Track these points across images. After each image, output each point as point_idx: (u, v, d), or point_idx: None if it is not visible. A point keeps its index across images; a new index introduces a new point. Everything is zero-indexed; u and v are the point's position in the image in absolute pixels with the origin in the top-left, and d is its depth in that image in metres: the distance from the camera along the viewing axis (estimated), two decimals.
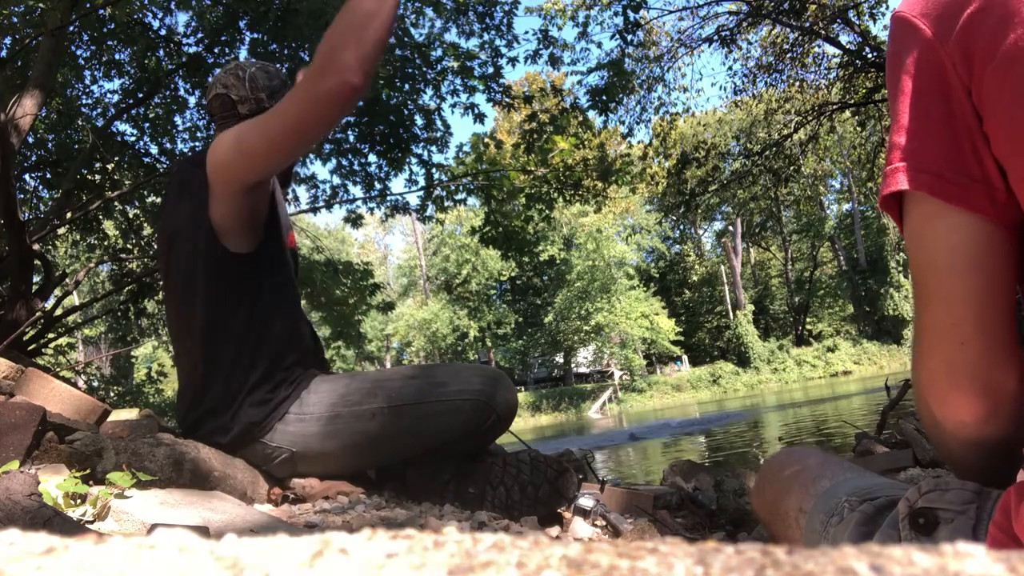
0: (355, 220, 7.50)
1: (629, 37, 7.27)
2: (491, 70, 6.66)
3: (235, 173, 1.50)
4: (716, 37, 9.63)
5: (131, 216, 6.99)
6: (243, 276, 1.58)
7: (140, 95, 6.47)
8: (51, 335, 5.53)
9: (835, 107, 9.63)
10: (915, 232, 0.62)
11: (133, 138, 6.84)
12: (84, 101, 6.90)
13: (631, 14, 6.96)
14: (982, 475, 0.66)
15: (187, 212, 1.58)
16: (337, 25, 1.35)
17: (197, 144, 7.04)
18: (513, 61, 6.80)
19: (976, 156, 0.58)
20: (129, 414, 2.01)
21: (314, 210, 8.68)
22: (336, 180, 7.30)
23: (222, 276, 1.57)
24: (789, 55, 9.87)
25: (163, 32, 6.37)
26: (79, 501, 1.09)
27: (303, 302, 8.54)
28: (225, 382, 1.57)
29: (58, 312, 5.42)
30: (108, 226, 7.41)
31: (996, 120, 0.56)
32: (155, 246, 7.07)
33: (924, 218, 0.61)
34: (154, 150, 6.96)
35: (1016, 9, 0.53)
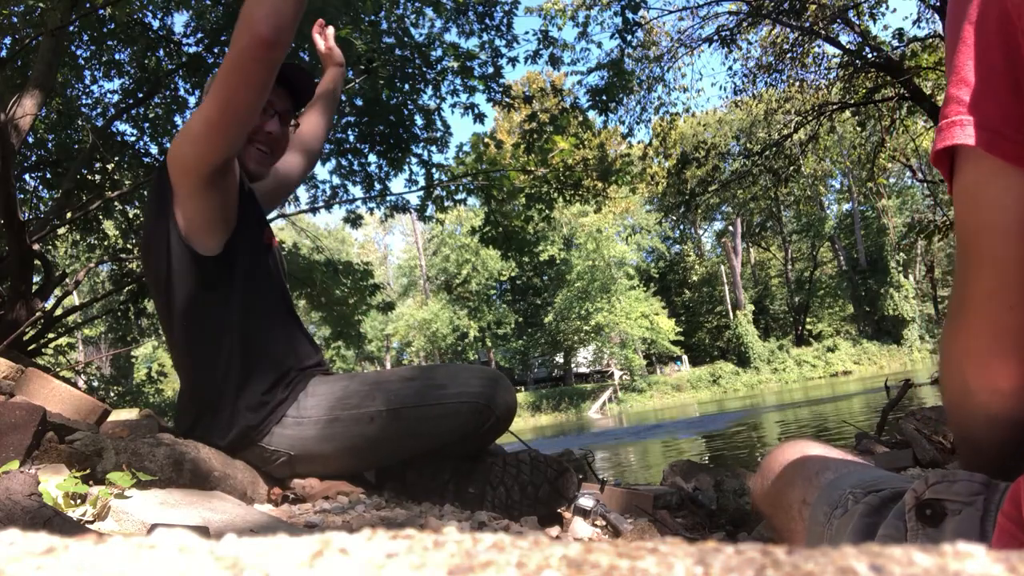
0: (354, 220, 7.51)
1: (628, 38, 7.27)
2: (491, 70, 6.66)
3: (186, 163, 1.48)
4: (716, 37, 9.63)
5: (131, 216, 6.99)
6: (218, 278, 1.56)
7: (140, 95, 6.48)
8: (51, 335, 5.53)
9: (835, 107, 9.63)
10: (967, 190, 0.59)
11: (133, 138, 6.85)
12: (84, 101, 6.90)
13: (630, 15, 6.97)
14: (995, 460, 0.64)
15: (156, 216, 1.56)
16: None
17: None
18: (513, 61, 6.81)
19: None
20: (129, 414, 2.01)
21: (314, 210, 8.69)
22: (336, 180, 7.31)
23: (196, 279, 1.55)
24: (789, 55, 9.87)
25: (163, 32, 6.37)
26: (79, 501, 1.09)
27: (302, 302, 8.53)
28: (217, 385, 1.57)
29: (58, 312, 5.42)
30: (108, 226, 7.41)
31: None
32: None
33: (978, 176, 0.58)
34: (154, 150, 6.97)
35: None
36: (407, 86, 6.45)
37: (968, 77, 0.58)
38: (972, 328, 0.62)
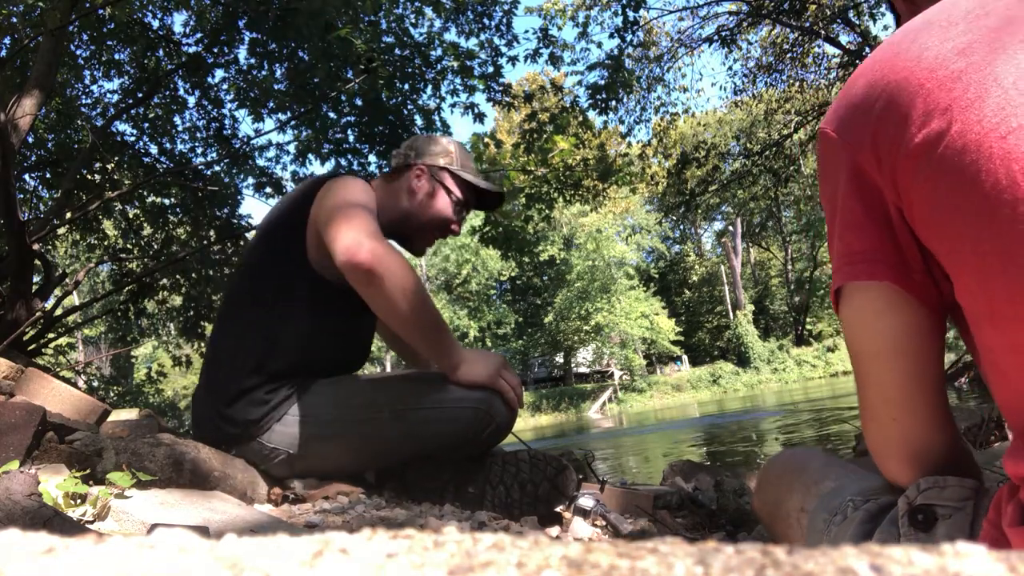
0: None
1: (628, 36, 7.27)
2: (491, 69, 6.66)
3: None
4: (716, 37, 9.63)
5: (131, 216, 6.99)
6: (308, 294, 1.63)
7: (140, 95, 6.48)
8: (51, 335, 5.53)
9: None
10: (846, 321, 0.70)
11: (133, 138, 6.84)
12: (84, 101, 6.90)
13: (631, 13, 6.96)
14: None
15: (288, 218, 1.66)
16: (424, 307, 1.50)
17: (197, 144, 7.04)
18: (513, 60, 6.80)
19: (895, 243, 0.65)
20: (129, 414, 2.01)
21: None
22: None
23: (281, 282, 1.63)
24: (789, 55, 9.87)
25: (163, 32, 6.37)
26: (79, 501, 1.09)
27: None
28: (228, 377, 1.60)
29: (58, 312, 5.42)
30: (108, 226, 7.41)
31: (917, 209, 0.62)
32: (155, 246, 7.08)
33: (853, 307, 0.69)
34: (154, 150, 6.96)
35: (908, 112, 0.60)
36: (407, 86, 6.44)
37: (839, 227, 0.68)
38: (868, 435, 0.74)
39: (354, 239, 1.44)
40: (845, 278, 0.68)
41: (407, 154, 1.82)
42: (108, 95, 7.22)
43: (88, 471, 1.22)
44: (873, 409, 0.71)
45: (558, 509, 1.70)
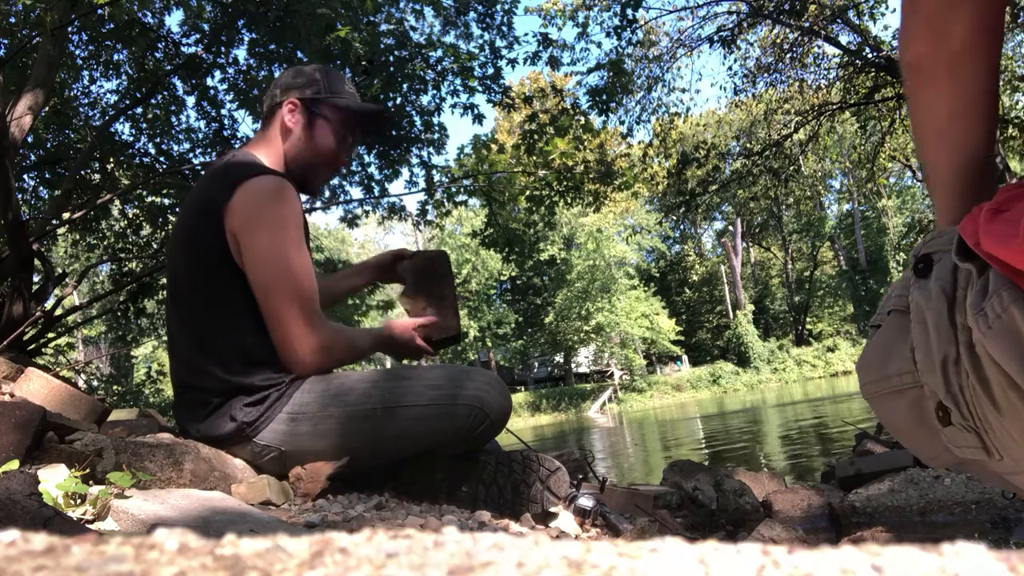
0: (351, 220, 7.52)
1: (627, 35, 7.26)
2: (491, 71, 6.65)
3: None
4: (716, 37, 9.63)
5: (131, 216, 6.98)
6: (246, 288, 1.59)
7: (139, 95, 6.47)
8: (51, 335, 5.53)
9: (835, 107, 9.63)
10: None
11: (132, 138, 6.84)
12: (83, 101, 6.90)
13: (629, 12, 6.95)
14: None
15: (204, 227, 1.59)
16: (360, 337, 1.71)
17: (196, 144, 7.04)
18: (512, 63, 6.79)
19: None
20: (129, 414, 2.01)
21: (311, 210, 8.70)
22: (334, 181, 7.30)
23: (229, 286, 1.58)
24: (789, 55, 9.87)
25: (162, 32, 6.36)
26: (79, 501, 1.09)
27: None
28: (218, 379, 1.58)
29: (58, 312, 5.43)
30: (107, 226, 7.41)
31: None
32: (155, 246, 7.08)
33: None
34: (153, 150, 6.96)
35: None
36: (406, 87, 6.43)
37: None
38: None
39: (301, 346, 1.56)
40: None
41: (274, 94, 1.75)
42: (107, 95, 7.21)
43: (88, 471, 1.22)
44: None
45: (552, 510, 1.70)
